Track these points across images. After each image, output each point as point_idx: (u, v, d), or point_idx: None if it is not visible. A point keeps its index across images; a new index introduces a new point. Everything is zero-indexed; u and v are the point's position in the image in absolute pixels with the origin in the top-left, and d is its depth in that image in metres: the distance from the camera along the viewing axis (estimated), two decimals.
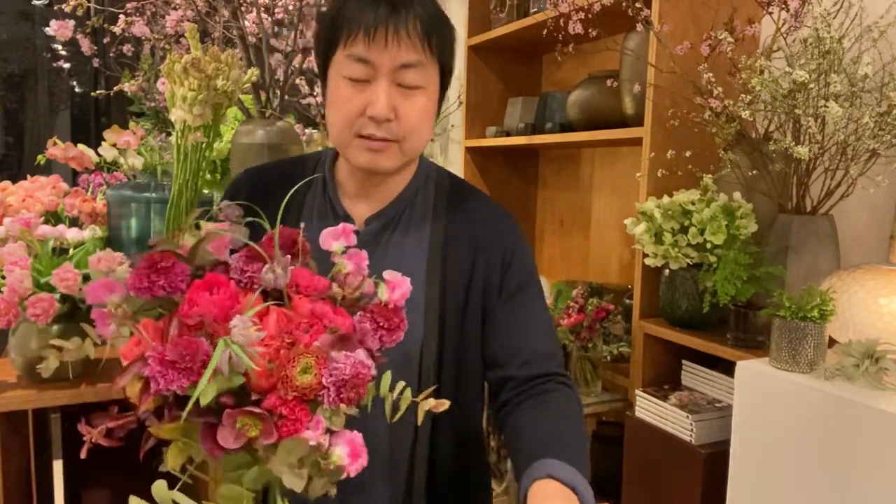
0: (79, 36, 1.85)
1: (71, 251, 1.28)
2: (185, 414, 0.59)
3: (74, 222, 1.42)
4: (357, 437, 0.64)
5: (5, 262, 1.14)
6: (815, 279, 1.34)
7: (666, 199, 1.59)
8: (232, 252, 0.71)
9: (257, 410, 0.60)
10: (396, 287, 0.72)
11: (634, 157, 1.92)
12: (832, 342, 1.23)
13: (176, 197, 1.15)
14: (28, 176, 1.48)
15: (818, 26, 1.29)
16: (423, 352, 0.95)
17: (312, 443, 0.61)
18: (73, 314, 1.20)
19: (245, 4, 1.74)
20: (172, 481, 0.62)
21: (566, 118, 2.11)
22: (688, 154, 1.54)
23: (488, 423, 1.75)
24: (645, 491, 1.62)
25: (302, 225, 0.75)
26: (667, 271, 1.64)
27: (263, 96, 1.71)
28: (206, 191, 1.72)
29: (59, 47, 3.20)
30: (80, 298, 1.18)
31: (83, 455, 0.63)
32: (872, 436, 1.03)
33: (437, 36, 0.93)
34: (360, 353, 0.64)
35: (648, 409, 1.60)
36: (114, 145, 1.40)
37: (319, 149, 1.78)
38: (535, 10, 2.19)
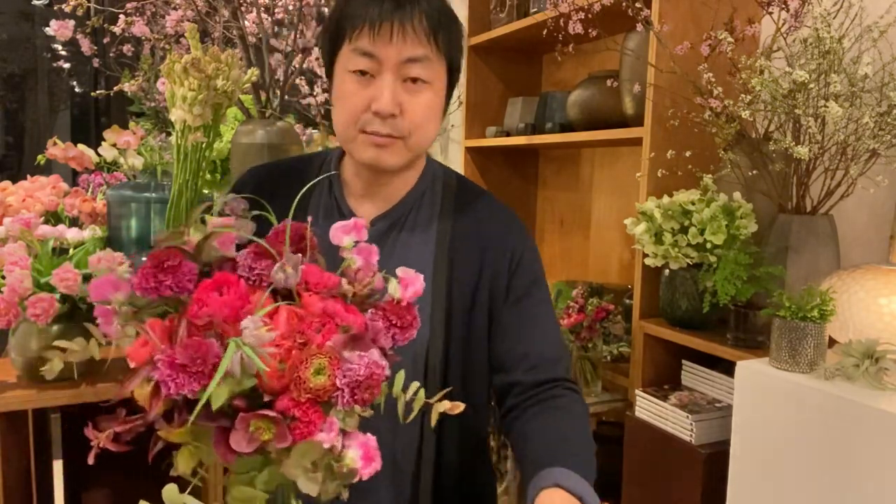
0: (79, 36, 1.85)
1: (71, 251, 1.28)
2: (192, 418, 0.57)
3: (74, 222, 1.42)
4: (371, 439, 0.63)
5: (5, 262, 1.14)
6: (815, 279, 1.34)
7: (666, 199, 1.59)
8: (238, 248, 0.70)
9: (271, 414, 0.59)
10: (410, 284, 0.70)
11: (634, 157, 1.92)
12: (832, 342, 1.23)
13: (176, 197, 1.15)
14: (28, 176, 1.48)
15: (818, 26, 1.29)
16: (429, 352, 0.95)
17: (326, 445, 0.60)
18: (73, 314, 1.20)
19: (245, 4, 1.74)
20: (175, 481, 0.61)
21: (566, 118, 2.11)
22: (688, 154, 1.54)
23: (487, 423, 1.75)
24: (645, 491, 1.62)
25: (309, 218, 0.73)
26: (667, 271, 1.64)
27: (263, 96, 1.71)
28: (206, 191, 1.72)
29: (59, 47, 3.20)
30: (80, 298, 1.18)
31: (90, 461, 0.62)
32: (872, 436, 1.03)
33: (444, 31, 0.92)
34: (374, 353, 0.63)
35: (648, 409, 1.60)
36: (114, 145, 1.40)
37: (319, 149, 1.78)
38: (535, 10, 2.19)
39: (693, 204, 1.53)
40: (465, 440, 1.00)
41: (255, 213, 0.75)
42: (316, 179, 0.95)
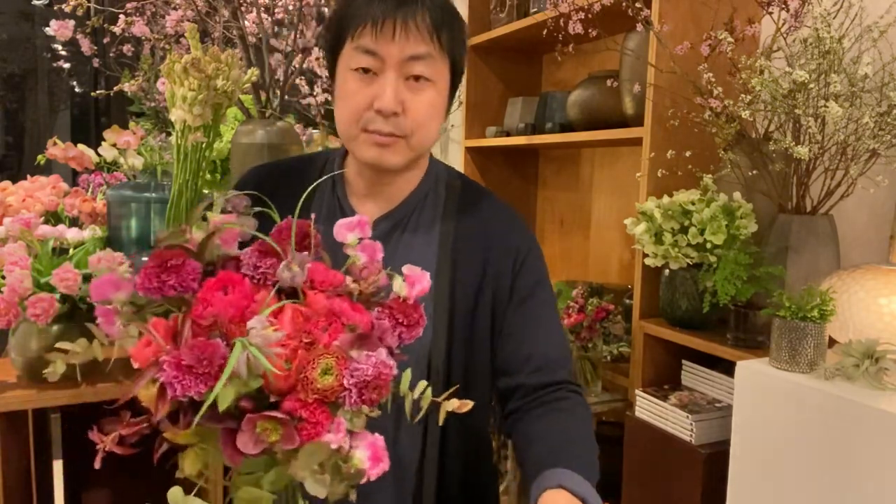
0: (79, 36, 1.85)
1: (71, 251, 1.28)
2: (197, 419, 0.57)
3: (74, 222, 1.42)
4: (378, 439, 0.62)
5: (5, 262, 1.14)
6: (815, 279, 1.34)
7: (666, 199, 1.59)
8: (241, 245, 0.69)
9: (279, 415, 0.58)
10: (416, 282, 0.70)
11: (634, 157, 1.92)
12: (832, 342, 1.23)
13: (176, 197, 1.15)
14: (28, 176, 1.48)
15: (818, 26, 1.29)
16: (432, 353, 0.94)
17: (334, 446, 0.59)
18: (73, 314, 1.20)
19: (245, 4, 1.74)
20: (175, 480, 0.61)
21: (566, 118, 2.11)
22: (688, 154, 1.54)
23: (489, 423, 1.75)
24: (645, 491, 1.62)
25: (313, 215, 0.73)
26: (667, 271, 1.64)
27: (263, 96, 1.71)
28: (206, 191, 1.72)
29: (59, 47, 3.20)
30: (80, 298, 1.18)
31: (97, 465, 0.61)
32: (872, 436, 1.03)
33: (447, 29, 0.91)
34: (382, 353, 0.62)
35: (648, 409, 1.60)
36: (114, 145, 1.40)
37: (319, 149, 1.78)
38: (535, 10, 2.19)
39: (693, 204, 1.53)
40: (469, 441, 0.99)
41: (257, 209, 0.74)
42: (321, 179, 0.94)
